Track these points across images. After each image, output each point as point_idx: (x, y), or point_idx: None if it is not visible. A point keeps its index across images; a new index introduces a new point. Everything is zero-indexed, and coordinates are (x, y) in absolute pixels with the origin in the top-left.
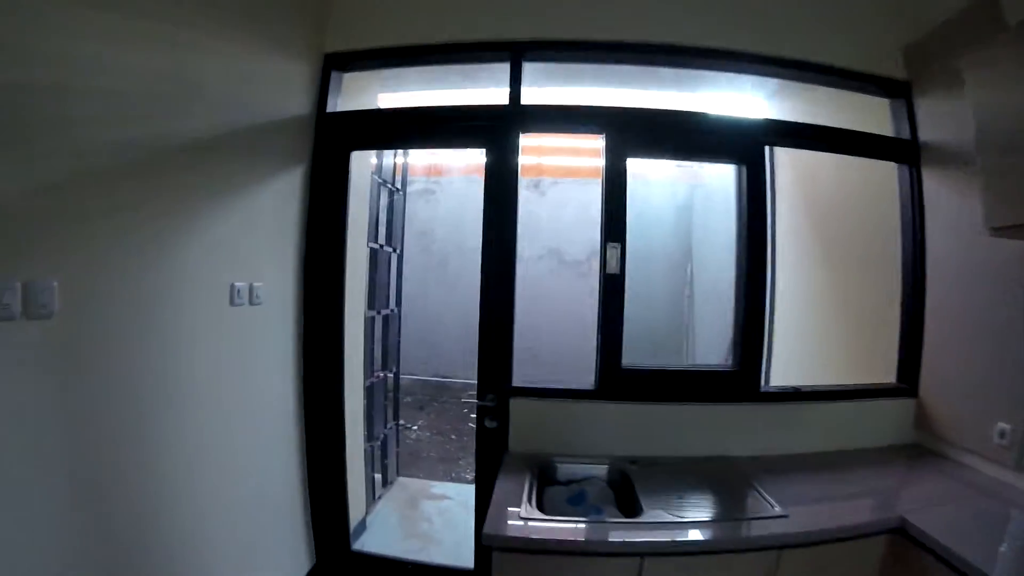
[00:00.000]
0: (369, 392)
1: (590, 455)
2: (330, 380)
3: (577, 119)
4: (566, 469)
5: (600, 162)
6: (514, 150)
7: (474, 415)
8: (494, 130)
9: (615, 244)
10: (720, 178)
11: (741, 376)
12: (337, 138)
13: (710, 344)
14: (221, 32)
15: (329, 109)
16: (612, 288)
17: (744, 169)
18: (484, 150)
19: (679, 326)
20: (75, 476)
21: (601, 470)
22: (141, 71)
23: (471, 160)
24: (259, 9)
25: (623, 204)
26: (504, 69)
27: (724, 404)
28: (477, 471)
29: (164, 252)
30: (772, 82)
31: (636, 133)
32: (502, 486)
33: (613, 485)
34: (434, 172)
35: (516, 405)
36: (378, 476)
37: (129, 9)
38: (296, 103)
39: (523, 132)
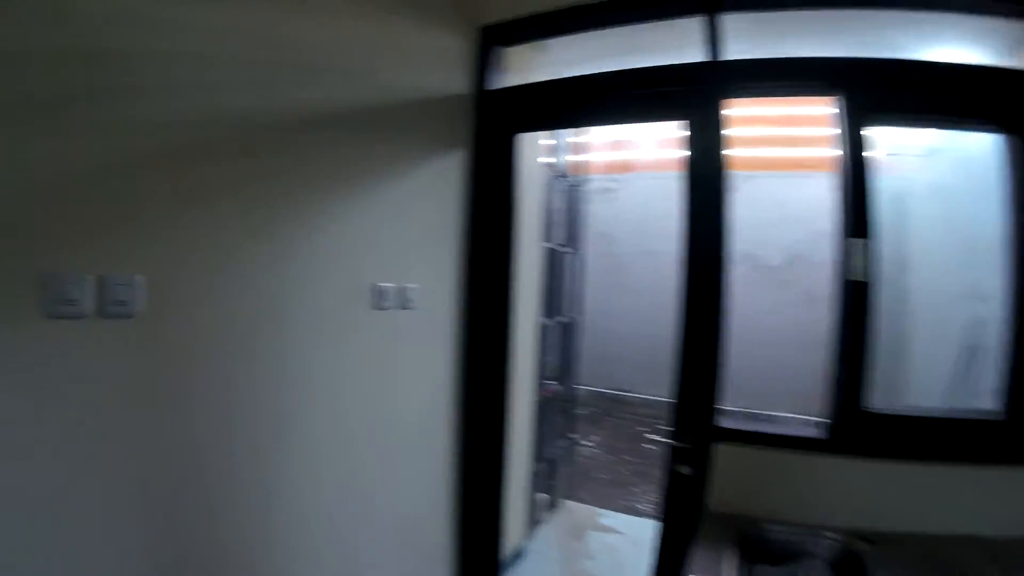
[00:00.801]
0: (540, 406)
1: (810, 523)
2: (493, 393)
3: (800, 74)
4: (778, 539)
5: (827, 132)
6: (716, 122)
7: (652, 434)
8: (689, 97)
9: (859, 241)
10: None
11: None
12: (500, 118)
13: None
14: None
15: (487, 87)
16: (855, 300)
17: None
18: (683, 122)
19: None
20: (180, 495)
21: (823, 545)
22: (272, 42)
23: (654, 154)
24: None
25: (868, 186)
26: (690, 28)
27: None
28: (662, 526)
29: (289, 246)
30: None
31: (881, 93)
32: (699, 559)
33: (838, 568)
34: (615, 168)
35: (721, 452)
36: (544, 497)
37: None
38: (452, 80)
39: (726, 97)
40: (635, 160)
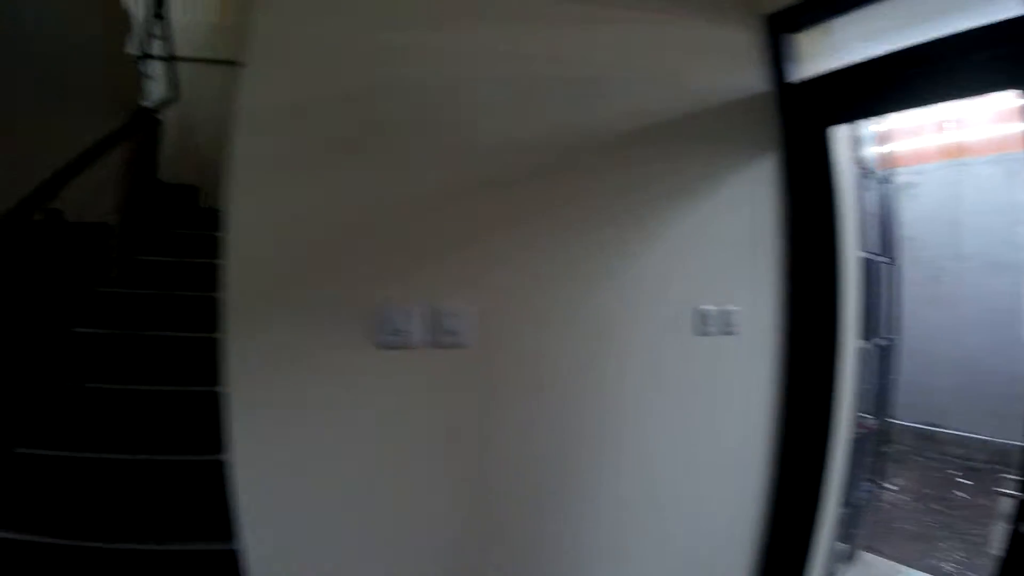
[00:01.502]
0: (855, 444)
1: None
2: (815, 426)
3: None
4: None
5: None
6: None
7: (965, 479)
8: None
9: None
10: None
11: None
12: (809, 112)
13: None
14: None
15: (787, 80)
16: None
17: None
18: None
19: None
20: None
21: None
22: (556, 58)
23: (953, 138)
24: None
25: None
26: None
27: None
28: None
29: (609, 272)
30: None
31: None
32: None
33: None
34: (920, 158)
35: None
36: (842, 547)
37: None
38: (747, 77)
39: None
40: (947, 144)
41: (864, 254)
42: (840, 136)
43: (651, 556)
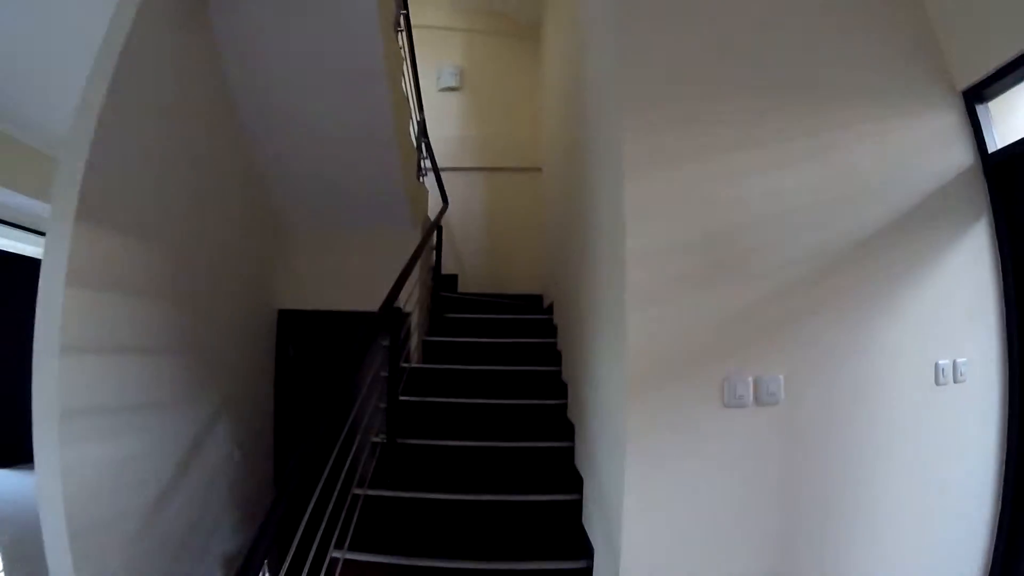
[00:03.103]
0: None
1: None
2: None
3: None
4: None
5: None
6: None
7: None
8: None
9: None
10: None
11: None
12: (1010, 178)
13: None
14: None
15: (990, 148)
16: None
17: None
18: None
19: None
20: (785, 529)
21: None
22: (816, 187)
23: None
24: (888, 67)
25: None
26: None
27: None
28: None
29: (869, 337)
30: None
31: None
32: None
33: None
34: None
35: None
36: None
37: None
38: (952, 156)
39: None
40: None
41: None
42: None
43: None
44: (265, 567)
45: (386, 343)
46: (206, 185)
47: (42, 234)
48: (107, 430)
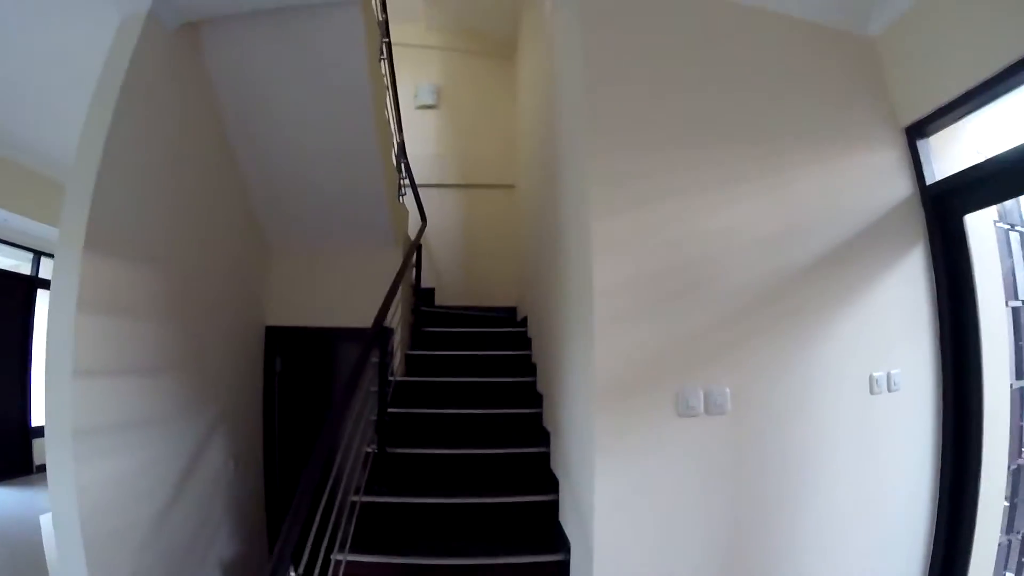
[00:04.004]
0: (1015, 475)
1: None
2: (964, 463)
3: None
4: None
5: None
6: None
7: None
8: None
9: None
10: None
11: None
12: (946, 207)
13: None
14: (815, 149)
15: (928, 181)
16: None
17: None
18: None
19: None
20: (735, 524)
21: None
22: (763, 222)
23: None
24: (836, 111)
25: None
26: None
27: None
28: None
29: (809, 352)
30: None
31: None
32: None
33: None
34: None
35: None
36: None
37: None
38: (893, 188)
39: None
40: None
41: (1016, 303)
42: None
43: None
44: (291, 569)
45: (375, 359)
46: (201, 208)
47: (7, 243)
48: (114, 446)
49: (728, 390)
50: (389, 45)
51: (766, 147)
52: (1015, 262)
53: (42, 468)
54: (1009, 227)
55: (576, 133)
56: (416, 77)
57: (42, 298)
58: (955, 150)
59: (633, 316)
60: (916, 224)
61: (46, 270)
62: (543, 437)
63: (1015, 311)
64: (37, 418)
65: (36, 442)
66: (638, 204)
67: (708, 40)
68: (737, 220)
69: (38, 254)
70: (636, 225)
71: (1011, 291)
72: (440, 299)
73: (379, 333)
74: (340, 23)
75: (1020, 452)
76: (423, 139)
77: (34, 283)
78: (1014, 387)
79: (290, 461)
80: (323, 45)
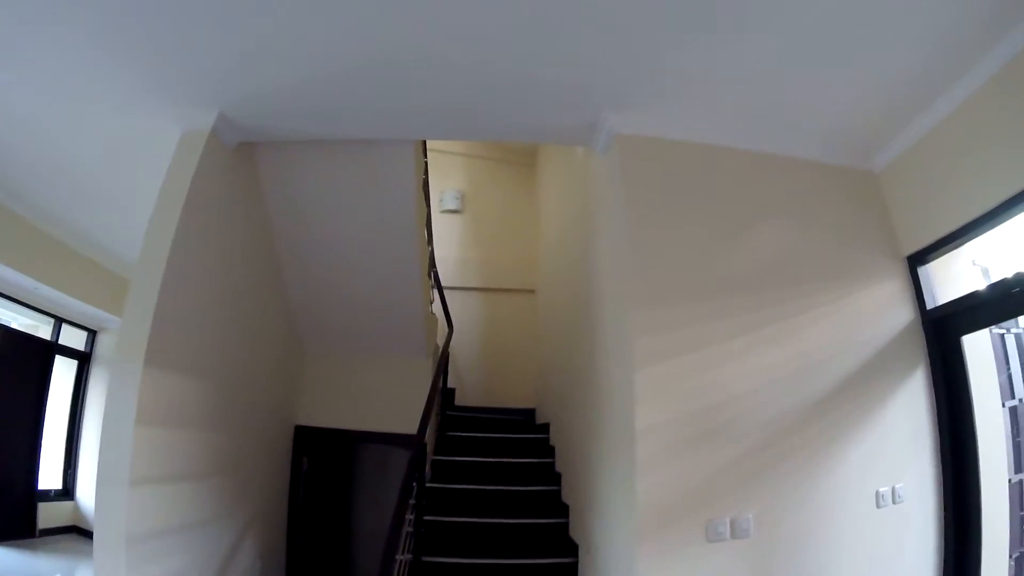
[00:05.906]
0: (1018, 562)
1: None
2: (966, 558)
3: None
4: None
5: None
6: None
7: None
8: None
9: None
10: None
11: None
12: (945, 329)
13: None
14: (826, 289)
15: (928, 305)
16: None
17: None
18: None
19: None
20: None
21: None
22: (785, 360)
23: None
24: (844, 246)
25: None
26: None
27: None
28: None
29: (820, 478)
30: None
31: None
32: None
33: None
34: None
35: None
36: None
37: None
38: (896, 315)
39: None
40: None
41: (1013, 402)
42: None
43: None
44: None
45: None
46: (249, 318)
47: (24, 304)
48: (158, 551)
49: (751, 515)
50: (426, 165)
51: (778, 293)
52: (1011, 366)
53: (45, 532)
54: (1004, 331)
55: (617, 283)
56: (441, 183)
57: (59, 364)
58: (954, 268)
59: (669, 453)
60: (917, 346)
61: (66, 337)
62: (570, 547)
63: (1012, 410)
64: (44, 482)
65: (41, 506)
66: (673, 354)
67: (729, 189)
68: (759, 362)
69: (59, 320)
70: (671, 373)
71: (1007, 392)
72: (460, 399)
73: (420, 451)
74: (396, 156)
75: (1022, 541)
76: (447, 243)
77: (52, 348)
78: (1012, 481)
79: (311, 559)
80: (376, 174)
